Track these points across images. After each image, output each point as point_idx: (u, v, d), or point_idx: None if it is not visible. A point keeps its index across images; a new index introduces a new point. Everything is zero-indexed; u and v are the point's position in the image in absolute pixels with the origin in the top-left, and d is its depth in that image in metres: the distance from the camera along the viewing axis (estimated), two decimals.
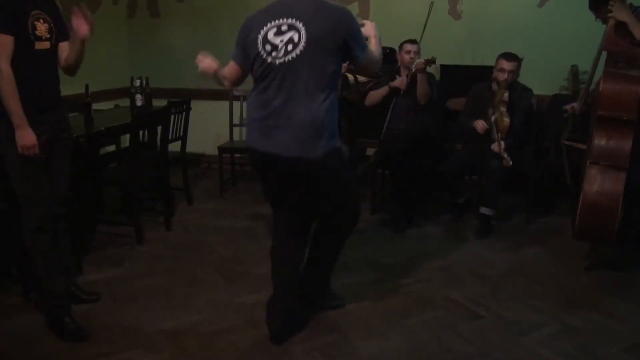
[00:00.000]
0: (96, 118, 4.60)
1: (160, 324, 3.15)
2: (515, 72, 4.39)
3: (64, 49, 3.31)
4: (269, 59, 2.65)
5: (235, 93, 5.73)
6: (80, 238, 4.03)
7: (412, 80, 4.51)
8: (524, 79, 4.71)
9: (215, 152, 5.54)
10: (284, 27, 2.64)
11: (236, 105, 5.74)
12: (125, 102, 5.39)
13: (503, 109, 4.29)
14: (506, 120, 4.27)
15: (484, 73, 4.65)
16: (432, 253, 4.12)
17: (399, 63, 4.77)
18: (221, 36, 6.25)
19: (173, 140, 4.83)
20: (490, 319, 3.20)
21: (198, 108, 5.43)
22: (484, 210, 4.37)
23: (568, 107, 4.10)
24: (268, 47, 2.66)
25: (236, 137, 5.85)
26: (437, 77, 5.18)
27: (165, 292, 3.56)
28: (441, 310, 3.30)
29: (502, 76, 4.35)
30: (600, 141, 3.49)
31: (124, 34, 6.61)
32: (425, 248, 4.21)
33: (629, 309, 3.30)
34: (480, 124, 4.40)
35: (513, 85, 4.43)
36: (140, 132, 4.80)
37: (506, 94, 4.33)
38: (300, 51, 2.59)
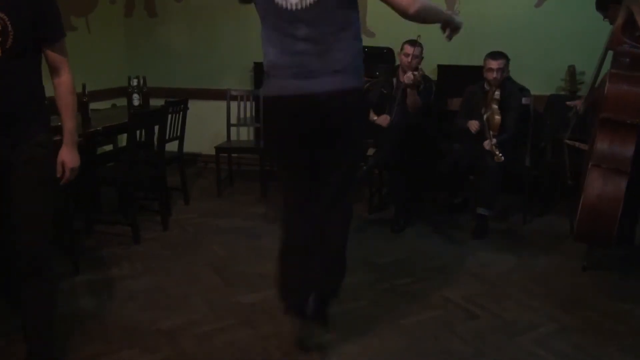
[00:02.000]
0: (93, 117, 4.60)
1: (157, 324, 3.15)
2: (503, 70, 4.42)
3: (54, 59, 2.61)
4: (283, 3, 2.48)
5: (233, 93, 5.73)
6: (77, 238, 4.03)
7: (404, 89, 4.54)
8: (521, 78, 4.72)
9: (213, 152, 5.54)
10: None
11: (233, 105, 5.73)
12: (122, 102, 5.38)
13: (495, 106, 4.34)
14: (497, 117, 4.31)
15: (481, 73, 4.65)
16: (429, 253, 4.12)
17: (399, 63, 4.75)
18: (218, 35, 6.27)
19: (170, 140, 4.83)
20: (487, 319, 3.20)
21: (195, 108, 5.43)
22: (481, 210, 4.38)
23: (572, 103, 4.09)
24: None
25: (233, 137, 5.85)
26: (434, 77, 5.19)
27: (162, 291, 3.55)
28: (438, 310, 3.30)
29: (491, 75, 4.41)
30: (603, 144, 3.47)
31: (121, 33, 6.60)
32: (422, 248, 4.21)
33: (626, 309, 3.30)
34: (473, 124, 4.42)
35: (505, 83, 4.46)
36: (138, 132, 4.80)
37: (497, 92, 4.37)
38: None
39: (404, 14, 2.45)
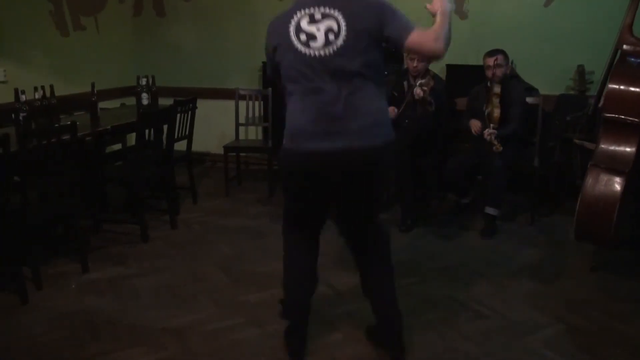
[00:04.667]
0: (102, 117, 4.64)
1: (164, 322, 3.16)
2: (502, 66, 4.41)
3: None
4: (307, 51, 2.40)
5: (242, 92, 5.74)
6: (85, 236, 4.05)
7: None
8: (529, 78, 4.71)
9: (221, 151, 5.55)
10: (317, 16, 2.40)
11: (242, 104, 5.74)
12: (131, 101, 5.41)
13: (495, 100, 4.34)
14: (497, 110, 4.33)
15: None
16: (437, 253, 4.11)
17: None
18: (227, 35, 6.27)
19: (179, 139, 4.85)
20: (495, 319, 3.19)
21: (204, 107, 5.44)
22: (489, 210, 4.37)
23: None
24: (303, 37, 2.41)
25: (241, 136, 5.86)
26: (443, 76, 5.18)
27: (169, 290, 3.57)
28: (445, 310, 3.30)
29: (490, 72, 4.42)
30: (603, 143, 3.47)
31: (130, 32, 6.63)
32: (429, 248, 4.21)
33: (633, 310, 3.29)
34: (474, 125, 4.42)
35: (507, 80, 4.47)
36: (146, 131, 4.82)
37: (497, 88, 4.36)
38: (344, 40, 2.37)
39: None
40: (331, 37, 2.37)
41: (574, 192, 4.13)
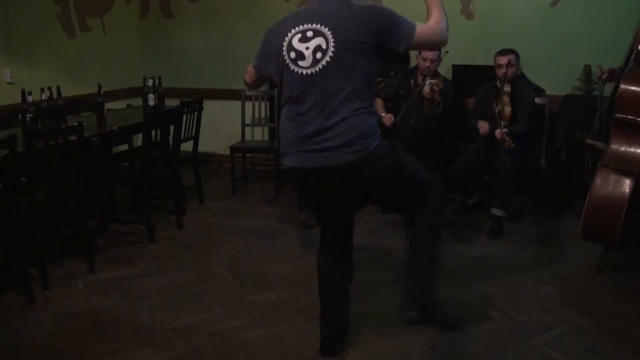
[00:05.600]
0: (109, 117, 4.65)
1: (171, 322, 3.17)
2: (513, 65, 4.41)
3: None
4: (296, 69, 2.41)
5: (248, 93, 5.75)
6: (92, 236, 4.06)
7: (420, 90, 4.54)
8: (536, 78, 4.70)
9: (227, 152, 5.56)
10: (309, 33, 2.41)
11: (248, 105, 5.74)
12: (137, 102, 5.42)
13: (505, 98, 4.35)
14: (508, 109, 4.33)
15: (495, 73, 4.63)
16: (444, 254, 4.10)
17: (417, 64, 4.74)
18: (233, 36, 6.29)
19: (185, 140, 4.85)
20: (501, 320, 3.18)
21: (210, 108, 5.47)
22: (496, 211, 4.36)
23: (601, 69, 4.01)
24: (293, 55, 2.42)
25: (248, 137, 5.87)
26: (449, 77, 5.18)
27: (177, 290, 3.57)
28: (452, 310, 3.29)
29: (501, 71, 4.41)
30: (614, 144, 3.45)
31: (136, 33, 6.64)
32: None
33: None
34: (483, 126, 4.41)
35: (517, 80, 4.46)
36: (153, 132, 4.83)
37: (507, 87, 4.36)
38: (330, 57, 2.35)
39: (442, 44, 2.51)
40: (318, 55, 2.37)
41: (581, 192, 4.13)
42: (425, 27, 2.42)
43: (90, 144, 4.04)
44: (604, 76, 3.94)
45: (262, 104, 5.79)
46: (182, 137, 4.73)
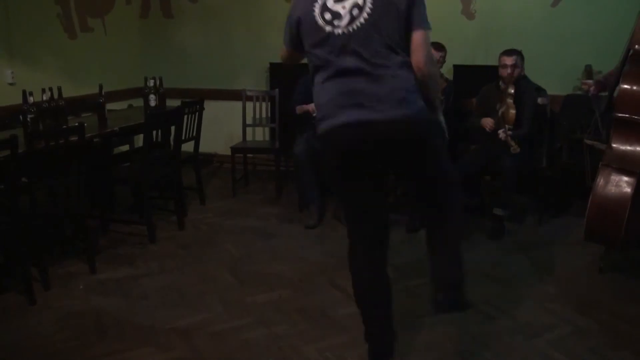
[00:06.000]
0: (110, 118, 4.65)
1: (171, 323, 3.17)
2: (517, 66, 4.40)
3: None
4: (332, 29, 2.34)
5: (249, 94, 5.75)
6: (93, 237, 4.06)
7: None
8: (537, 78, 4.69)
9: (228, 152, 5.56)
10: None
11: (249, 105, 5.75)
12: (138, 102, 5.42)
13: (510, 100, 4.32)
14: (512, 111, 4.30)
15: (496, 73, 4.63)
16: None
17: None
18: (234, 36, 6.28)
19: (186, 140, 4.86)
20: (502, 321, 3.18)
21: (211, 108, 5.46)
22: (497, 211, 4.36)
23: (586, 83, 4.05)
24: (328, 16, 2.35)
25: (249, 137, 5.87)
26: (450, 77, 5.18)
27: (177, 290, 3.57)
28: (453, 311, 3.28)
29: (505, 71, 4.40)
30: (615, 143, 3.45)
31: (137, 34, 6.64)
32: None
33: None
34: (487, 122, 4.40)
35: (520, 81, 4.44)
36: (154, 132, 4.82)
37: (512, 88, 4.35)
38: (367, 14, 2.30)
39: (416, 69, 2.37)
40: (355, 12, 2.31)
41: (582, 192, 4.12)
42: (428, 45, 2.38)
43: (91, 144, 4.04)
44: (591, 89, 3.96)
45: (263, 104, 5.79)
46: (183, 138, 4.73)
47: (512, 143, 4.13)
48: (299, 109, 4.89)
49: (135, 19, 6.61)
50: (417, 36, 2.35)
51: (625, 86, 3.40)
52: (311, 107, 4.78)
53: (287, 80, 5.34)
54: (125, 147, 5.48)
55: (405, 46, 2.37)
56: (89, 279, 3.73)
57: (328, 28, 2.35)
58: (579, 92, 4.94)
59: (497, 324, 3.15)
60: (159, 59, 6.61)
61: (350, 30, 2.32)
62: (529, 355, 2.86)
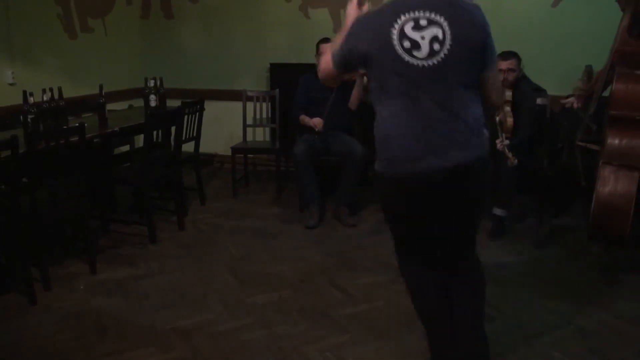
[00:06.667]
0: (110, 118, 4.65)
1: (172, 323, 3.17)
2: (515, 70, 4.35)
3: None
4: (411, 60, 2.20)
5: (249, 94, 5.75)
6: (94, 237, 4.06)
7: None
8: (537, 79, 4.69)
9: (228, 152, 5.57)
10: (422, 22, 2.20)
11: (249, 105, 5.75)
12: (139, 103, 5.42)
13: (507, 108, 4.21)
14: (510, 120, 4.18)
15: None
16: None
17: None
18: (234, 36, 6.29)
19: (187, 141, 4.86)
20: (503, 321, 3.18)
21: (211, 108, 5.46)
22: (497, 211, 4.35)
23: (566, 101, 4.09)
24: (407, 44, 2.20)
25: (249, 138, 5.87)
26: None
27: (178, 291, 3.57)
28: None
29: (502, 76, 4.31)
30: (613, 141, 3.46)
31: (137, 34, 6.65)
32: None
33: None
34: None
35: (519, 84, 4.40)
36: (154, 133, 4.83)
37: (509, 93, 4.26)
38: (447, 50, 2.19)
39: (490, 105, 2.42)
40: (436, 46, 2.19)
41: (582, 193, 4.13)
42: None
43: (91, 144, 4.04)
44: (575, 104, 3.99)
45: (264, 104, 5.79)
46: (183, 138, 4.73)
47: (510, 155, 4.01)
48: (302, 120, 4.90)
49: (135, 19, 6.61)
50: (492, 76, 2.37)
51: (620, 85, 3.43)
52: (315, 121, 4.79)
53: (288, 80, 5.34)
54: (126, 148, 5.48)
55: (476, 83, 2.32)
56: (90, 279, 3.73)
57: (407, 57, 2.21)
58: (579, 93, 4.93)
59: (498, 324, 3.14)
60: (160, 59, 6.61)
61: (431, 64, 2.21)
62: (529, 355, 2.85)
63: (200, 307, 3.37)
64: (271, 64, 5.99)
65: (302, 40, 5.74)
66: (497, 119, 4.26)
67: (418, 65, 2.20)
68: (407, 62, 2.21)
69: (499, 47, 4.50)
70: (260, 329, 3.11)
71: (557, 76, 5.03)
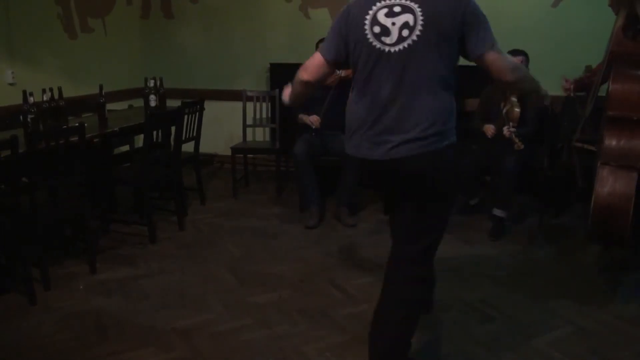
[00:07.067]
0: (110, 118, 4.65)
1: (172, 323, 3.17)
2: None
3: None
4: (378, 45, 2.23)
5: (249, 94, 5.75)
6: (94, 237, 4.06)
7: None
8: (537, 78, 4.66)
9: (228, 152, 5.57)
10: (396, 8, 2.22)
11: (249, 105, 5.75)
12: (139, 103, 5.42)
13: (514, 99, 4.32)
14: (517, 110, 4.29)
15: None
16: (444, 254, 4.06)
17: None
18: (234, 36, 6.29)
19: (187, 141, 4.86)
20: (502, 321, 3.18)
21: (211, 108, 5.46)
22: (497, 211, 4.36)
23: (564, 86, 4.10)
24: (377, 29, 2.23)
25: (249, 138, 5.87)
26: None
27: (178, 291, 3.57)
28: (453, 311, 3.29)
29: None
30: (610, 141, 3.46)
31: (138, 34, 6.65)
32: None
33: None
34: (489, 129, 4.40)
35: None
36: (154, 133, 4.83)
37: None
38: (417, 36, 2.18)
39: (504, 84, 2.38)
40: (405, 33, 2.20)
41: (582, 193, 4.12)
42: (505, 58, 2.33)
43: (91, 144, 4.04)
44: (571, 87, 3.99)
45: (264, 104, 5.79)
46: (183, 138, 4.73)
47: (516, 140, 4.14)
48: (300, 118, 4.90)
49: (135, 19, 6.62)
50: (493, 57, 2.30)
51: (617, 85, 3.43)
52: (312, 119, 4.79)
53: (288, 80, 5.30)
54: (126, 148, 5.48)
55: (450, 72, 2.29)
56: (90, 279, 3.73)
57: (375, 42, 2.25)
58: (579, 93, 4.93)
59: (497, 324, 3.15)
60: (160, 59, 6.61)
61: (396, 50, 2.22)
62: (529, 355, 2.86)
63: (200, 307, 3.37)
64: (271, 64, 5.99)
65: (302, 40, 5.74)
66: (505, 110, 4.30)
67: (384, 50, 2.23)
68: (375, 47, 2.24)
69: (500, 47, 4.54)
70: (260, 329, 3.11)
71: (557, 76, 5.01)
